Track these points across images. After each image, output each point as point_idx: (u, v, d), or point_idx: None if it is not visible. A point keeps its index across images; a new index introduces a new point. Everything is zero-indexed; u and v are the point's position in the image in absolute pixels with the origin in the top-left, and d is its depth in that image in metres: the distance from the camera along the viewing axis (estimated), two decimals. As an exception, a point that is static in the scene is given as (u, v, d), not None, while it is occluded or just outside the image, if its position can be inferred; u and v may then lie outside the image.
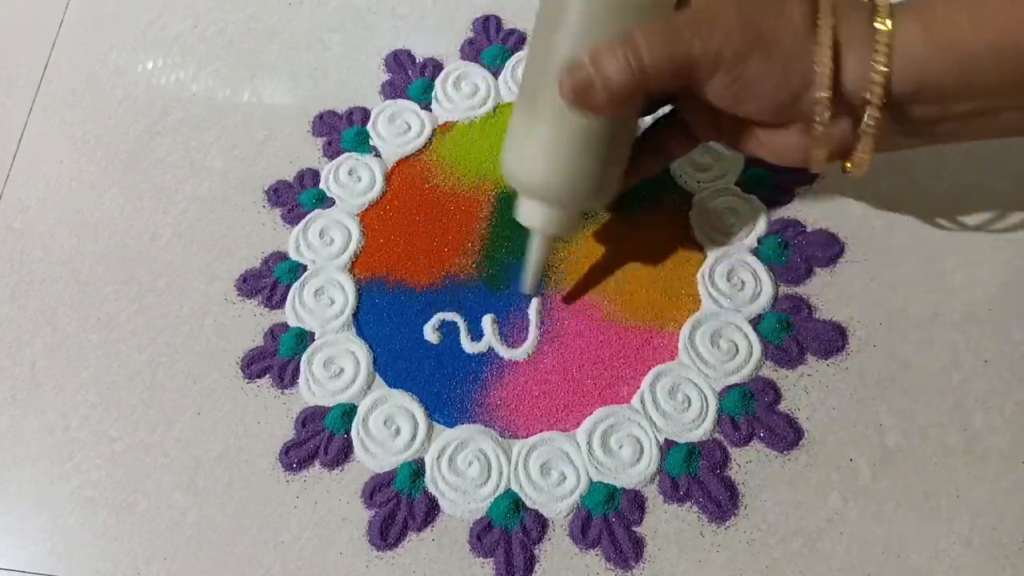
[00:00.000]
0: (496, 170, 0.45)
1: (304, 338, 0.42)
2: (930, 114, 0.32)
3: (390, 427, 0.39)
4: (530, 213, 0.37)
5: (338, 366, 0.41)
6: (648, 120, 0.39)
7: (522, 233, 0.44)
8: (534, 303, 0.42)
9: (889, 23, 0.30)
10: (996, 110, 0.31)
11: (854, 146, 0.32)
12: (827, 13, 0.31)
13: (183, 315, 0.44)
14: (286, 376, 0.41)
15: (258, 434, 0.40)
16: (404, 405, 0.40)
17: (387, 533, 0.37)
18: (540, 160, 0.35)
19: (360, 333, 0.42)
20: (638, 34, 0.31)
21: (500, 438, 0.39)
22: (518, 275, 0.42)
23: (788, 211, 0.42)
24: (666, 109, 0.38)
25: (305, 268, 0.44)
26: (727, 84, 0.32)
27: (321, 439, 0.40)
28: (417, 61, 0.50)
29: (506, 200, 0.45)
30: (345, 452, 0.39)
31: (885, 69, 0.30)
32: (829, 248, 0.41)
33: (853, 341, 0.39)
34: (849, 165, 0.33)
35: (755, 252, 0.41)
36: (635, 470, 0.37)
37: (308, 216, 0.45)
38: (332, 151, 0.47)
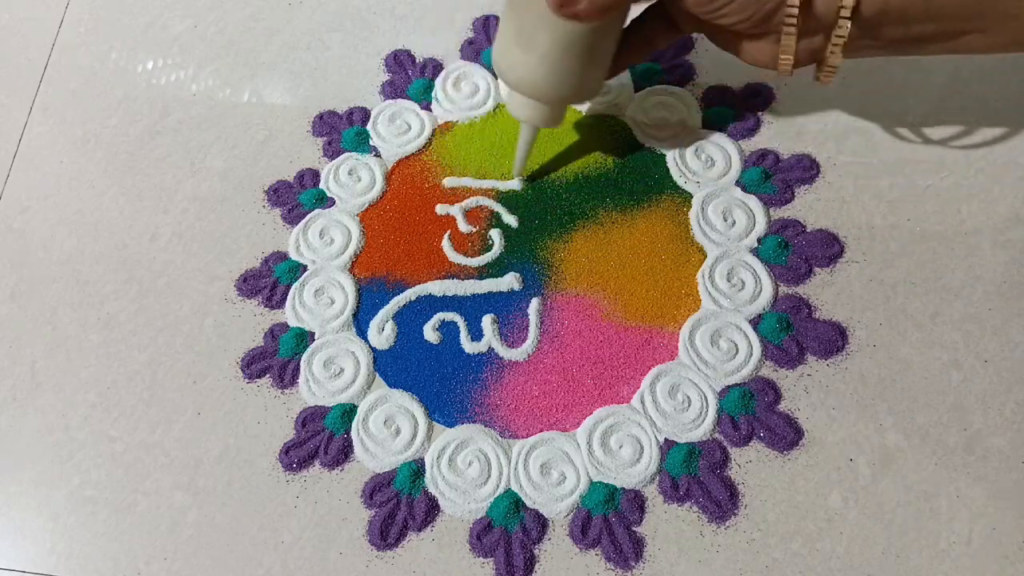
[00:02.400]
0: (496, 169, 0.45)
1: (304, 338, 0.42)
2: (895, 33, 0.34)
3: (390, 427, 0.39)
4: (519, 106, 0.39)
5: (338, 366, 0.41)
6: (636, 9, 0.40)
7: (521, 232, 0.44)
8: (534, 303, 0.42)
9: None
10: (957, 33, 0.33)
11: (823, 57, 0.35)
12: None
13: (183, 315, 0.44)
14: (286, 376, 0.41)
15: (258, 434, 0.40)
16: (404, 405, 0.40)
17: (387, 533, 0.37)
18: (526, 62, 0.36)
19: (360, 333, 0.42)
20: None
21: (500, 438, 0.39)
22: (518, 273, 0.42)
23: (788, 211, 0.42)
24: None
25: (305, 268, 0.44)
26: None
27: (321, 439, 0.40)
28: (417, 61, 0.50)
29: (506, 199, 0.45)
30: (345, 452, 0.39)
31: None
32: (829, 248, 0.41)
33: (853, 341, 0.39)
34: (820, 76, 0.36)
35: (755, 252, 0.41)
36: (635, 470, 0.37)
37: (308, 216, 0.45)
38: (332, 151, 0.47)
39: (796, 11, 0.33)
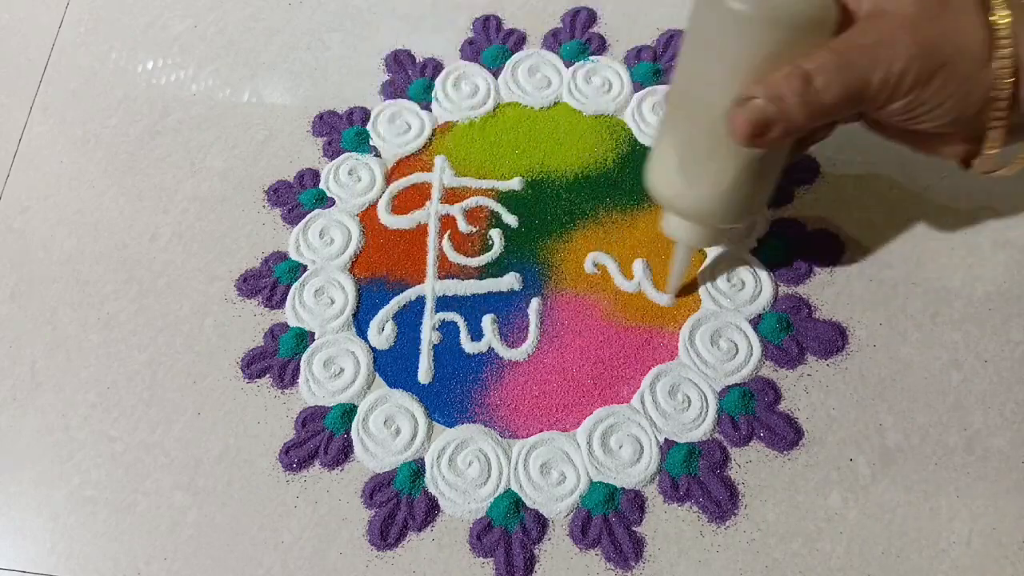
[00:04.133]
0: (496, 169, 0.45)
1: (304, 338, 0.42)
2: None
3: (390, 427, 0.40)
4: (676, 228, 0.36)
5: (338, 366, 0.41)
6: None
7: (521, 232, 0.44)
8: (534, 303, 0.42)
9: None
10: None
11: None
12: (1005, 34, 0.29)
13: (183, 315, 0.44)
14: (286, 376, 0.41)
15: (258, 434, 0.40)
16: (404, 405, 0.40)
17: (387, 533, 0.37)
18: (697, 191, 0.34)
19: (360, 333, 0.42)
20: (812, 69, 0.29)
21: (500, 438, 0.39)
22: (518, 273, 0.42)
23: (788, 211, 0.42)
24: None
25: (305, 268, 0.44)
26: (904, 108, 0.31)
27: (321, 439, 0.40)
28: (417, 61, 0.50)
29: (506, 199, 0.45)
30: (345, 452, 0.39)
31: None
32: (829, 248, 0.41)
33: (853, 341, 0.39)
34: (1006, 171, 0.33)
35: (755, 252, 0.41)
36: (635, 470, 0.37)
37: (308, 216, 0.45)
38: (332, 151, 0.47)
39: (1006, 115, 0.30)
